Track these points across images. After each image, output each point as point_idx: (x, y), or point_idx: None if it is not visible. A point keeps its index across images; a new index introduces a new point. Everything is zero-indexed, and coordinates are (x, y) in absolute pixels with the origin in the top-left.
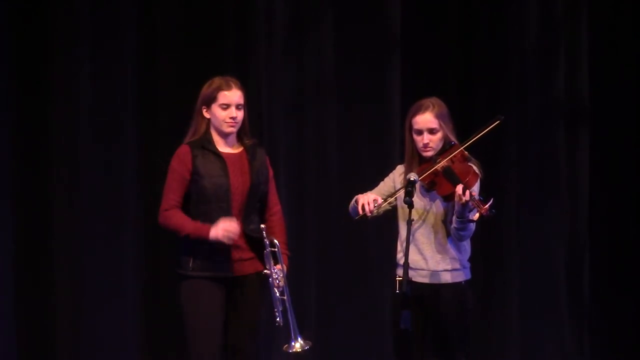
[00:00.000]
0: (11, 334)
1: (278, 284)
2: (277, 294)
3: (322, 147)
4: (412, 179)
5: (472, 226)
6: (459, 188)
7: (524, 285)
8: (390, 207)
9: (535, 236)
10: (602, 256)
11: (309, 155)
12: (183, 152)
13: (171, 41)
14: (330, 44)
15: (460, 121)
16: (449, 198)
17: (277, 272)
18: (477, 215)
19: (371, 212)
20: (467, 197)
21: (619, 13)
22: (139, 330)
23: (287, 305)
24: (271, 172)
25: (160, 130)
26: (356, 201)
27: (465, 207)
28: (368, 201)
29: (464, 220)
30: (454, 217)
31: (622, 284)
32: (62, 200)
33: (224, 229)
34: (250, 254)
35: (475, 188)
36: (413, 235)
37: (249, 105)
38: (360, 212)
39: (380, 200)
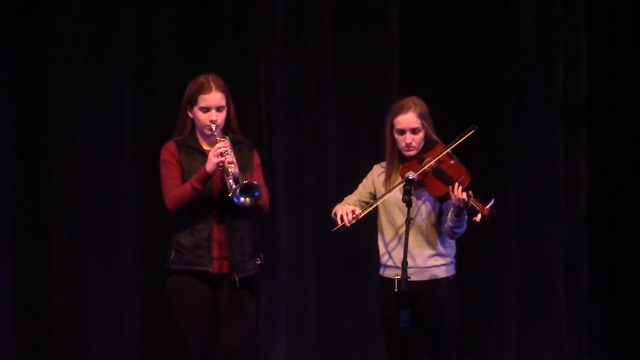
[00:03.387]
0: (11, 334)
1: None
2: (226, 163)
3: (322, 147)
4: (410, 177)
5: (465, 224)
6: (456, 189)
7: (523, 285)
8: (373, 210)
9: (535, 236)
10: (602, 256)
11: (308, 156)
12: (170, 147)
13: (170, 41)
14: (330, 44)
15: (459, 121)
16: (443, 198)
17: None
18: (480, 216)
19: (350, 223)
20: (465, 197)
21: (619, 13)
22: (139, 330)
23: (233, 169)
24: (257, 162)
25: (160, 131)
26: (334, 213)
27: (465, 208)
28: (347, 212)
29: (460, 219)
30: (450, 217)
31: (622, 283)
32: (61, 201)
33: (212, 151)
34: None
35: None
36: (399, 234)
37: (249, 105)
38: (339, 222)
39: (358, 211)
